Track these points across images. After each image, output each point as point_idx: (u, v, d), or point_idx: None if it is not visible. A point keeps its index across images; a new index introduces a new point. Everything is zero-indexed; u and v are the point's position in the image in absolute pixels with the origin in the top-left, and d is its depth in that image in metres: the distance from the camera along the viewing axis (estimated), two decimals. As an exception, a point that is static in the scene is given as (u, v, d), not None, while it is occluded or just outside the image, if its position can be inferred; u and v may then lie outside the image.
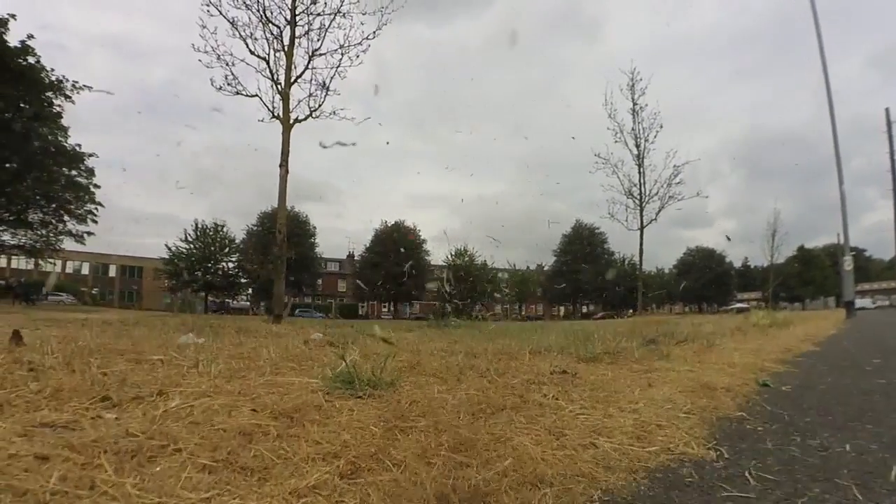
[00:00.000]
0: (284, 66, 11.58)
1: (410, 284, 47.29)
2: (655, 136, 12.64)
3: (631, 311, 46.19)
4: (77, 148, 33.87)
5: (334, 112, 11.99)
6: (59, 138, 32.59)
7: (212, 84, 11.75)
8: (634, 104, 10.02)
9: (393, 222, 50.05)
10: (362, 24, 12.00)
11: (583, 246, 57.17)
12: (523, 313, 64.47)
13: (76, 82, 29.69)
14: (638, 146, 12.84)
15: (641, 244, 12.37)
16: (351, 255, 73.66)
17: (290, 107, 11.56)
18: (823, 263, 64.43)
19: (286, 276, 42.98)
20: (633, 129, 10.32)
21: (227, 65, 11.53)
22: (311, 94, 11.85)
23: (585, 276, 56.46)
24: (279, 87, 11.55)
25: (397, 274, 45.35)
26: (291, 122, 11.57)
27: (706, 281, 69.42)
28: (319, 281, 69.85)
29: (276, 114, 11.58)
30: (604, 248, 59.30)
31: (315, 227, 48.74)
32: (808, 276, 61.90)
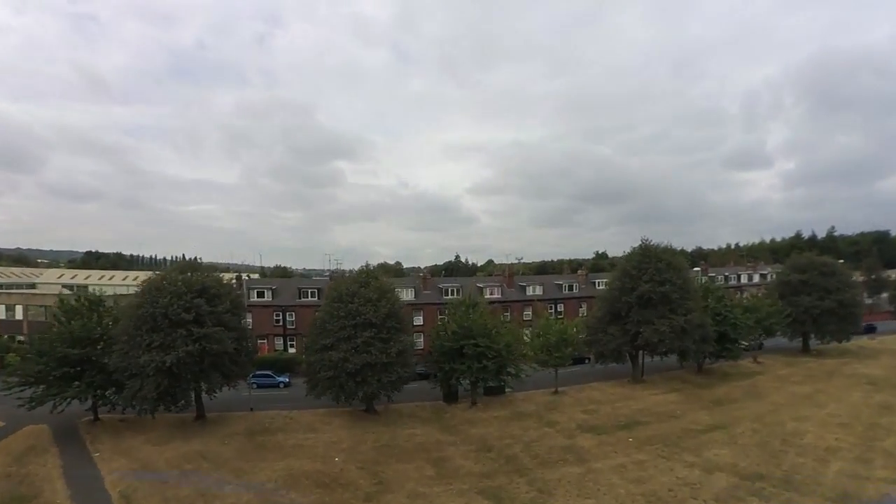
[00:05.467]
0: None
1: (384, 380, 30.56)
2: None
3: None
4: None
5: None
6: None
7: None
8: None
9: (359, 267, 32.66)
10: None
11: (653, 284, 38.20)
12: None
13: None
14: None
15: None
16: (334, 273, 57.22)
17: None
18: None
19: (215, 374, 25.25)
20: None
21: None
22: None
23: (653, 328, 38.07)
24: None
25: (361, 366, 28.80)
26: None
27: (824, 309, 49.10)
28: (292, 316, 53.53)
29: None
30: (682, 279, 40.21)
31: (246, 295, 31.61)
32: None
